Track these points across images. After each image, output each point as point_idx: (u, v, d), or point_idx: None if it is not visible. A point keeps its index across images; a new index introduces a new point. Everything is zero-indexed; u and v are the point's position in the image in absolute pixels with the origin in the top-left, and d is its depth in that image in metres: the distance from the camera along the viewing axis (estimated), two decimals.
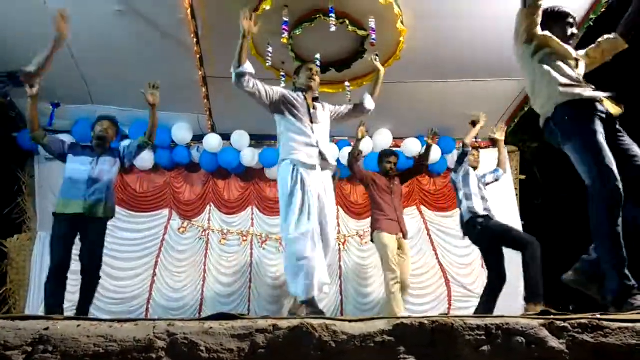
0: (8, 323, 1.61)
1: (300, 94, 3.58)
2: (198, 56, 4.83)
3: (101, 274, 3.99)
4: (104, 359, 1.53)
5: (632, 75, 6.61)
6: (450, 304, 6.03)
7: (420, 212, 6.47)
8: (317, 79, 3.66)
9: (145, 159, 5.93)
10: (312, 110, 3.53)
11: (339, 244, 6.17)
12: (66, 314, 3.82)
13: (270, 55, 4.44)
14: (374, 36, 4.08)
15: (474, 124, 5.19)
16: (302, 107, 3.49)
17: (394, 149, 6.36)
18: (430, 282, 6.17)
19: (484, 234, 4.33)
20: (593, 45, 2.87)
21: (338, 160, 6.14)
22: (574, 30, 2.86)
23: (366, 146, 6.25)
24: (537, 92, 2.70)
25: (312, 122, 3.47)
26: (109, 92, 5.49)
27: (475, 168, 4.87)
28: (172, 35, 4.55)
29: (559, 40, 2.71)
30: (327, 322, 1.67)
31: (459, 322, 1.63)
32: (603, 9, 4.30)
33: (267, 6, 4.01)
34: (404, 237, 4.97)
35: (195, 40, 4.60)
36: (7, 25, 4.44)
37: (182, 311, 5.74)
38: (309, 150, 3.36)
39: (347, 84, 4.97)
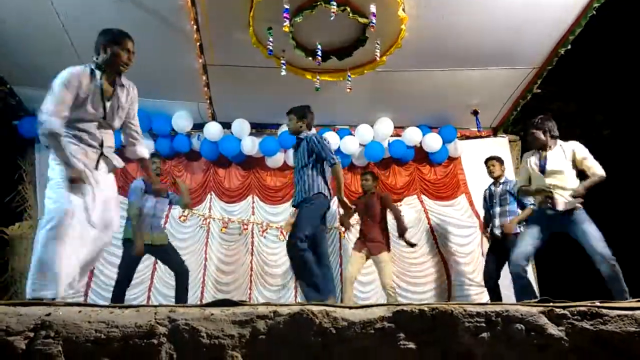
0: (10, 309, 1.62)
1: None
2: (198, 44, 4.80)
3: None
4: (105, 344, 1.54)
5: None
6: (450, 293, 6.05)
7: (421, 201, 6.47)
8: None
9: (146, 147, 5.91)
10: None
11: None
12: None
13: (271, 43, 4.41)
14: (374, 20, 4.04)
15: None
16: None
17: (397, 137, 6.38)
18: (430, 270, 6.19)
19: None
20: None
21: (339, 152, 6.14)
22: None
23: (367, 135, 6.24)
24: None
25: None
26: None
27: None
28: (172, 23, 4.52)
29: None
30: (328, 308, 1.67)
31: (459, 309, 1.64)
32: None
33: None
34: (371, 254, 5.18)
35: (195, 27, 4.57)
36: (9, 13, 4.42)
37: None
38: None
39: (348, 72, 4.94)
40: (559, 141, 3.92)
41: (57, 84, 2.74)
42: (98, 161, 2.87)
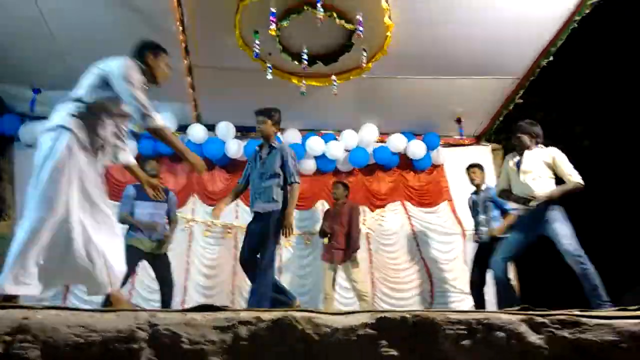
0: None
1: None
2: (183, 45, 4.77)
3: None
4: (84, 349, 1.51)
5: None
6: (432, 299, 6.08)
7: (404, 208, 6.50)
8: None
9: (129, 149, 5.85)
10: None
11: None
12: None
13: (257, 47, 4.40)
14: (361, 28, 4.06)
15: None
16: None
17: (381, 143, 6.41)
18: (413, 277, 6.21)
19: None
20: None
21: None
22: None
23: (352, 140, 6.26)
24: None
25: None
26: None
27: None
28: (157, 23, 4.48)
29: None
30: (310, 315, 1.67)
31: (441, 317, 1.65)
32: (587, 11, 4.35)
33: None
34: (337, 263, 5.33)
35: (180, 28, 4.55)
36: None
37: None
38: None
39: (333, 77, 4.95)
40: (540, 145, 3.99)
41: (129, 74, 2.64)
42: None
